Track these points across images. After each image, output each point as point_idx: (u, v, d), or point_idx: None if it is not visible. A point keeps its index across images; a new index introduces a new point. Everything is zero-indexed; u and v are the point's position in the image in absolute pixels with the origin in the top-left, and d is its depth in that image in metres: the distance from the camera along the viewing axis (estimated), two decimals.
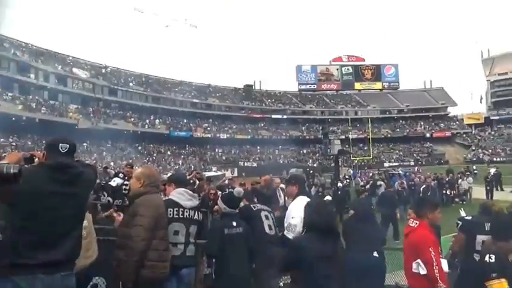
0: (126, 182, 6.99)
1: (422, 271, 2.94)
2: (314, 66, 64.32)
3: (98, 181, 7.70)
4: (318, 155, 51.17)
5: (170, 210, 3.17)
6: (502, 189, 18.59)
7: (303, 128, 57.54)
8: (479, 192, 16.29)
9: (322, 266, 2.62)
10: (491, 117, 58.06)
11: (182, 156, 45.69)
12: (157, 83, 51.79)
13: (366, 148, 49.31)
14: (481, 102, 62.17)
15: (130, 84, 47.68)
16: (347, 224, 4.12)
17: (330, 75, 64.68)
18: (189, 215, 3.31)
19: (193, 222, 3.34)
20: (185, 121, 50.28)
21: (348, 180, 22.76)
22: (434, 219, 3.20)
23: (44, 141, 21.16)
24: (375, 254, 3.56)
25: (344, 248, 3.85)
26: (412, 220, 3.23)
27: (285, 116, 56.93)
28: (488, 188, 16.76)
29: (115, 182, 6.78)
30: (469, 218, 4.08)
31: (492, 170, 19.69)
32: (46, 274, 2.02)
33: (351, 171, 31.60)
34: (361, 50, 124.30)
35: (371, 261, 3.50)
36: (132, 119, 45.06)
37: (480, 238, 3.38)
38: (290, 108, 58.60)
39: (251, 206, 4.05)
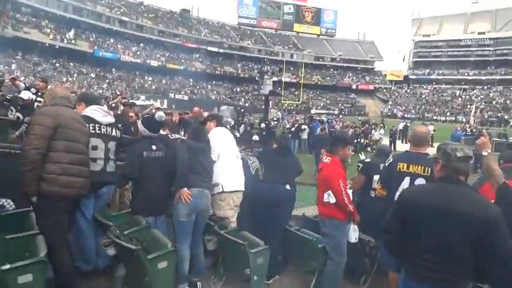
0: (39, 99, 6.37)
1: (332, 200, 3.34)
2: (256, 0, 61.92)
3: (1, 93, 6.90)
4: (250, 94, 51.39)
5: (90, 125, 3.14)
6: (406, 142, 20.96)
7: (239, 65, 56.62)
8: (387, 143, 18.14)
9: None
10: (410, 76, 63.10)
11: (107, 81, 42.31)
12: None
13: (296, 93, 50.75)
14: (403, 60, 66.93)
15: None
16: (267, 155, 4.37)
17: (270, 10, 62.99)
18: (106, 131, 3.31)
19: (111, 139, 3.35)
20: (112, 41, 45.85)
21: (276, 122, 23.56)
22: (345, 155, 3.54)
23: None
24: (287, 186, 3.86)
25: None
26: (325, 156, 3.55)
27: (221, 50, 55.03)
28: (391, 139, 18.78)
29: (26, 95, 6.11)
30: (368, 160, 4.60)
31: (401, 124, 22.03)
32: None
33: (280, 114, 32.60)
34: None
35: (282, 193, 3.82)
36: (49, 30, 39.60)
37: (376, 177, 3.79)
38: (227, 42, 56.61)
39: (169, 134, 4.09)
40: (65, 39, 40.39)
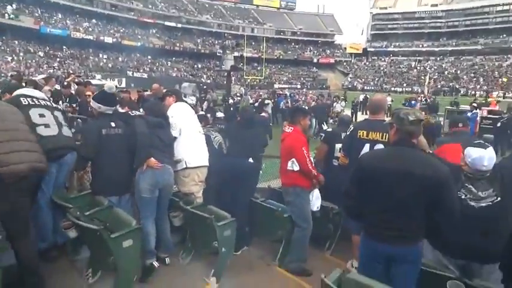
0: None
1: (296, 167, 3.42)
2: None
3: None
4: (212, 71, 50.40)
5: (23, 99, 3.15)
6: (366, 113, 21.69)
7: (199, 41, 55.03)
8: (349, 114, 18.71)
9: None
10: (368, 49, 64.55)
11: (58, 59, 39.63)
12: None
13: (259, 68, 50.45)
14: (362, 33, 68.14)
15: None
16: (230, 129, 4.36)
17: None
18: (46, 103, 3.30)
19: (55, 109, 3.33)
20: (60, 16, 42.71)
21: (239, 98, 23.39)
22: (305, 125, 3.67)
23: None
24: (250, 160, 3.90)
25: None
26: (287, 127, 3.61)
27: (179, 25, 53.03)
28: (353, 111, 19.44)
29: None
30: (330, 130, 4.73)
31: (361, 96, 22.71)
32: None
33: (243, 89, 32.37)
34: None
35: (245, 166, 3.85)
36: None
37: (338, 146, 3.91)
38: (185, 16, 54.55)
39: (129, 112, 3.99)
40: (6, 15, 37.03)
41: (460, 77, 51.28)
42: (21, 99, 3.14)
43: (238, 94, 25.52)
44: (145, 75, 41.79)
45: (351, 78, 59.20)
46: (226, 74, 25.04)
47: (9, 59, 33.54)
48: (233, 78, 31.01)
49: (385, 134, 3.02)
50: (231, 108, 14.36)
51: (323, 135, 4.64)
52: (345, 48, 66.09)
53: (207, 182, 3.86)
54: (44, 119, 3.13)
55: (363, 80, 57.59)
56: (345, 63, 64.18)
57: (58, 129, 3.19)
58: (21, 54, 37.05)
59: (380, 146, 3.05)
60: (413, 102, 20.00)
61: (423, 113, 2.44)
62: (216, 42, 54.32)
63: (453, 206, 2.07)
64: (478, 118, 12.53)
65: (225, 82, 30.51)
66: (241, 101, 22.49)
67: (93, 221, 2.81)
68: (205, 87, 28.27)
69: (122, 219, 2.91)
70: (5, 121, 2.66)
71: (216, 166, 3.82)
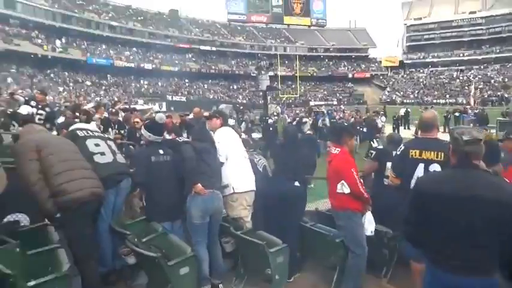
0: (40, 111, 6.34)
1: (347, 190, 3.29)
2: None
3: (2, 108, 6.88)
4: (247, 91, 51.23)
5: (79, 132, 3.38)
6: (409, 128, 20.96)
7: (233, 62, 56.41)
8: (390, 130, 18.13)
9: None
10: (405, 61, 62.90)
11: (104, 87, 42.14)
12: None
13: (293, 86, 50.60)
14: (397, 45, 66.70)
15: None
16: (273, 150, 4.34)
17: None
18: (98, 133, 3.55)
19: (108, 139, 3.55)
20: (104, 47, 45.61)
21: (276, 117, 23.51)
22: (352, 146, 3.58)
23: None
24: (296, 183, 3.80)
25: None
26: (333, 148, 3.51)
27: (213, 48, 54.76)
28: (394, 126, 18.78)
29: (25, 110, 6.10)
30: (381, 147, 4.58)
31: (402, 110, 22.01)
32: None
33: (279, 108, 32.52)
34: None
35: (291, 189, 3.75)
36: (40, 41, 39.37)
37: (389, 165, 3.76)
38: (219, 39, 56.32)
39: (177, 138, 4.10)
40: (56, 49, 40.13)
41: (509, 86, 48.35)
42: (78, 132, 3.40)
43: (275, 113, 25.68)
44: (183, 99, 43.28)
45: (388, 92, 57.73)
46: (262, 94, 25.36)
47: (61, 89, 36.07)
48: (269, 97, 31.28)
49: (440, 153, 2.89)
50: (270, 128, 14.34)
51: (373, 152, 4.51)
52: (380, 61, 64.91)
53: (254, 206, 3.86)
54: (99, 148, 3.33)
55: (402, 93, 55.91)
56: (381, 77, 62.88)
57: (113, 156, 3.37)
58: (71, 84, 39.80)
59: (436, 166, 2.91)
60: (464, 115, 18.76)
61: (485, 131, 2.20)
62: (250, 63, 55.37)
63: None
64: None
65: (260, 102, 30.89)
66: (278, 120, 22.57)
67: (151, 248, 2.88)
68: (241, 108, 28.78)
69: (177, 245, 2.97)
70: (62, 152, 2.87)
71: (262, 190, 3.81)
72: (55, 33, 41.33)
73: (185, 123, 7.45)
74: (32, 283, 2.09)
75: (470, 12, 58.69)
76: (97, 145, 3.34)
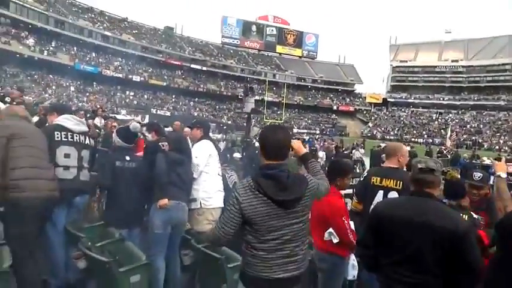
0: None
1: (335, 240, 2.95)
2: (240, 21, 63.08)
3: None
4: (232, 112, 51.53)
5: (57, 134, 3.12)
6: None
7: (221, 83, 56.94)
8: (367, 162, 18.46)
9: None
10: (388, 99, 64.98)
11: (87, 94, 41.64)
12: (62, 3, 45.00)
13: (279, 112, 51.27)
14: (383, 82, 69.02)
15: None
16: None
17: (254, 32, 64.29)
18: (79, 139, 3.26)
19: (85, 147, 3.30)
20: (94, 55, 45.41)
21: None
22: (343, 185, 3.14)
23: None
24: None
25: None
26: None
27: (204, 68, 55.28)
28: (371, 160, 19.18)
29: None
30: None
31: (383, 145, 22.59)
32: None
33: None
34: (286, 12, 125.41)
35: None
36: (28, 42, 38.92)
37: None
38: (210, 60, 57.01)
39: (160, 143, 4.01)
40: (45, 51, 39.71)
41: (483, 131, 50.46)
42: (56, 133, 3.14)
43: (257, 136, 25.78)
44: (168, 113, 43.06)
45: (370, 126, 59.16)
46: (246, 116, 25.52)
47: (42, 91, 35.45)
48: (253, 120, 31.55)
49: (399, 181, 2.99)
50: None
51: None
52: (365, 97, 66.76)
53: None
54: (67, 160, 3.14)
55: (383, 129, 57.39)
56: (364, 112, 64.49)
57: (77, 172, 3.19)
58: (53, 87, 39.14)
59: (394, 194, 2.98)
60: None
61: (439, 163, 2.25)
62: (239, 85, 56.05)
63: (474, 261, 1.89)
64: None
65: (244, 124, 31.05)
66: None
67: (104, 253, 2.79)
68: (225, 127, 28.86)
69: (132, 253, 2.88)
70: (33, 148, 2.75)
71: None
72: (46, 36, 40.99)
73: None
74: None
75: (453, 61, 61.71)
76: (66, 156, 3.14)
